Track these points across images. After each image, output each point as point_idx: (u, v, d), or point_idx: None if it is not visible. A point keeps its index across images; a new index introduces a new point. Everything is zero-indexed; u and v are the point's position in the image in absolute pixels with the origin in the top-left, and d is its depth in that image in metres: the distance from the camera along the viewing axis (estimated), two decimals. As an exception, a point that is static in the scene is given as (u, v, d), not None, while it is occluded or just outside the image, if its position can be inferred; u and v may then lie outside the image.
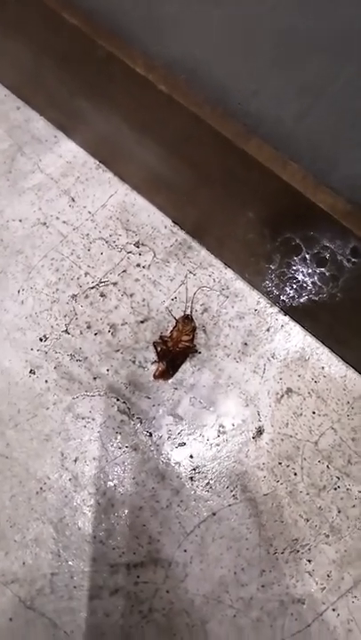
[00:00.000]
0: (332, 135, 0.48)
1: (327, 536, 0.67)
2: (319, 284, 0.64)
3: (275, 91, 0.49)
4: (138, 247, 0.80)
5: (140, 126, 0.66)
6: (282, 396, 0.73)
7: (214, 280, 0.78)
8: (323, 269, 0.60)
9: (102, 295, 0.77)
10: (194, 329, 0.74)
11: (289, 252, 0.63)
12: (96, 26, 0.58)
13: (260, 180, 0.55)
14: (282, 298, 0.74)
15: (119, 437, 0.70)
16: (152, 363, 0.74)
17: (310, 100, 0.46)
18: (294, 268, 0.65)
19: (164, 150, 0.66)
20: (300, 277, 0.65)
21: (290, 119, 0.50)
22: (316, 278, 0.63)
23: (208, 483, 0.69)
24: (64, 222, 0.81)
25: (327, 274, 0.61)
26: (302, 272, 0.64)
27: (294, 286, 0.68)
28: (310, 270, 0.62)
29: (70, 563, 0.65)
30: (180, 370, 0.73)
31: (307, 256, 0.61)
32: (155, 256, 0.79)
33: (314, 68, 0.44)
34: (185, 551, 0.66)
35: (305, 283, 0.66)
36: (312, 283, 0.65)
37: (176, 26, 0.52)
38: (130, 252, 0.79)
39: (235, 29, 0.47)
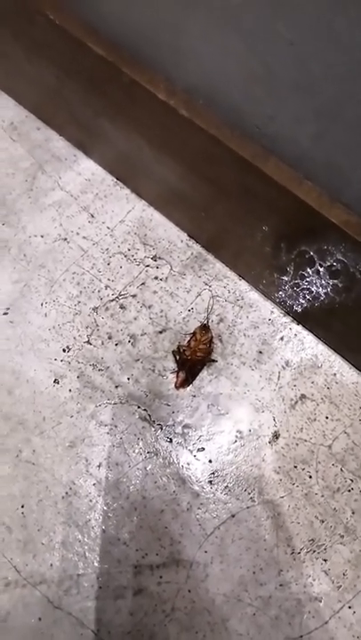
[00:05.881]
0: (346, 156, 0.51)
1: (342, 536, 0.70)
2: (332, 294, 0.67)
3: (292, 115, 0.52)
4: (155, 260, 0.83)
5: (160, 146, 0.69)
6: (296, 402, 0.76)
7: (229, 291, 0.81)
8: (336, 281, 0.64)
9: (122, 307, 0.80)
10: (211, 338, 0.77)
11: (303, 265, 0.66)
12: (120, 53, 0.62)
13: (277, 197, 0.58)
14: (295, 308, 0.77)
15: (141, 443, 0.73)
16: (171, 372, 0.77)
17: (326, 124, 0.49)
18: (308, 279, 0.68)
19: (183, 168, 0.69)
20: (313, 288, 0.69)
21: (306, 140, 0.53)
22: (328, 289, 0.66)
23: (227, 486, 0.72)
24: (84, 237, 0.84)
25: (340, 285, 0.64)
26: (315, 283, 0.67)
27: (307, 297, 0.72)
28: (323, 282, 0.66)
29: (96, 564, 0.68)
30: (197, 378, 0.77)
31: (320, 268, 0.64)
32: (171, 269, 0.83)
33: (329, 95, 0.47)
34: (206, 552, 0.69)
35: (318, 293, 0.69)
36: (325, 293, 0.68)
37: (197, 55, 0.56)
38: (148, 266, 0.83)
39: (253, 60, 0.51)
